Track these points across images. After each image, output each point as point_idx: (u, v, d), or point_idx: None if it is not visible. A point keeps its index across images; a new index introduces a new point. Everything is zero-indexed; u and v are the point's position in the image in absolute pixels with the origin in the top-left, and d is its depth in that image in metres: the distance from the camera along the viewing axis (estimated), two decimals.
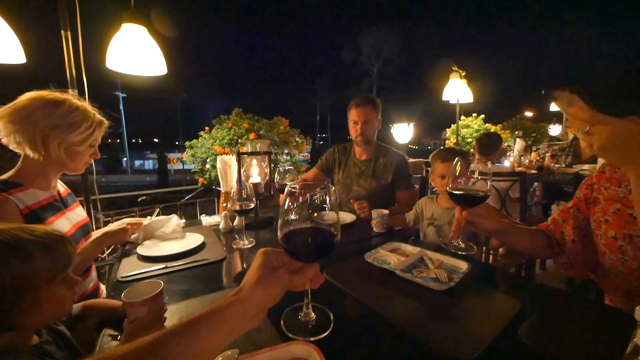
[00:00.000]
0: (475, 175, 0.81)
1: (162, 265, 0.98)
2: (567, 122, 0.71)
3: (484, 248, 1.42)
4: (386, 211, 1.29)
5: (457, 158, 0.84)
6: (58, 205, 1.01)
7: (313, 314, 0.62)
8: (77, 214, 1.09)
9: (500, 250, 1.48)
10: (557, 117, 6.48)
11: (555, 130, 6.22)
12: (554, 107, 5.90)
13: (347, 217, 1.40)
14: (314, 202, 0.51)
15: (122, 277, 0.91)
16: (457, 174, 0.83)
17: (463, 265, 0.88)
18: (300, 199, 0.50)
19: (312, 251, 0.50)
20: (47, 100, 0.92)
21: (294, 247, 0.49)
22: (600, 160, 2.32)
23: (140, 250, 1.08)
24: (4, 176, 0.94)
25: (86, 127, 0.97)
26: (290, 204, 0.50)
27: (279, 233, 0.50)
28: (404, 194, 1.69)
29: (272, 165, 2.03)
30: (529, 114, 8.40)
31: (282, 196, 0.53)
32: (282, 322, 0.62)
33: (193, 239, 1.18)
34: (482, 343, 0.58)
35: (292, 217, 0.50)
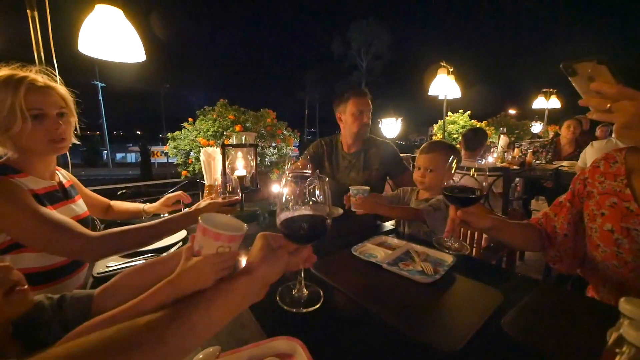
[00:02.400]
0: (472, 172, 0.81)
1: (142, 261, 0.94)
2: (581, 101, 0.61)
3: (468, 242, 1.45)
4: (366, 187, 1.25)
5: (451, 157, 0.84)
6: (59, 196, 0.93)
7: (305, 290, 0.70)
8: (79, 206, 1.01)
9: (483, 243, 1.52)
10: (538, 115, 6.70)
11: (537, 128, 6.43)
12: (536, 105, 6.08)
13: (333, 211, 1.39)
14: (309, 191, 0.57)
15: (98, 274, 0.86)
16: (452, 173, 0.83)
17: (448, 258, 0.89)
18: (297, 189, 0.57)
19: (307, 234, 0.56)
20: None
21: (291, 231, 0.55)
22: (584, 157, 2.41)
23: None
24: (1, 161, 0.84)
25: (1, 100, 0.77)
26: (288, 194, 0.57)
27: (277, 219, 0.56)
28: (404, 177, 1.70)
29: (259, 159, 1.99)
30: (512, 111, 8.63)
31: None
32: (277, 297, 0.69)
33: (175, 233, 1.14)
34: (466, 335, 0.58)
35: (290, 205, 0.57)
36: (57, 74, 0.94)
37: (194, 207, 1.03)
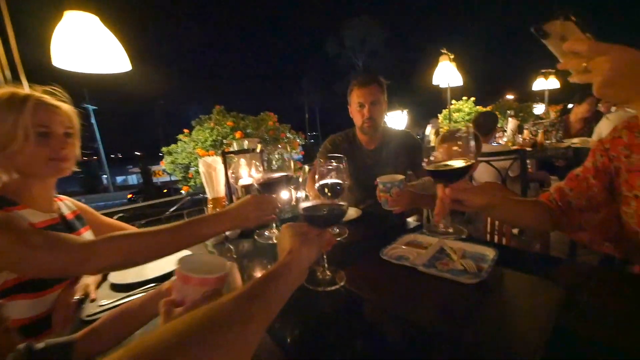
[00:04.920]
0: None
1: (141, 294, 0.79)
2: (559, 64, 0.56)
3: (490, 229, 1.33)
4: (399, 176, 1.05)
5: (431, 127, 0.76)
6: (61, 229, 0.85)
7: (328, 272, 0.74)
8: (84, 239, 0.93)
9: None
10: (539, 97, 6.60)
11: (539, 109, 6.33)
12: (536, 86, 5.98)
13: (352, 213, 1.27)
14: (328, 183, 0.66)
15: (88, 316, 0.72)
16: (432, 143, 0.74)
17: (489, 252, 0.78)
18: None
19: (326, 219, 0.63)
20: None
21: (315, 218, 0.62)
22: (599, 131, 2.30)
23: (114, 277, 0.89)
24: None
25: (2, 119, 0.74)
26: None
27: (301, 207, 0.65)
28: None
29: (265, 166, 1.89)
30: (510, 96, 8.53)
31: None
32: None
33: (178, 255, 1.02)
34: (540, 342, 0.48)
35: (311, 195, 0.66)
36: (62, 92, 0.87)
37: (230, 206, 0.86)
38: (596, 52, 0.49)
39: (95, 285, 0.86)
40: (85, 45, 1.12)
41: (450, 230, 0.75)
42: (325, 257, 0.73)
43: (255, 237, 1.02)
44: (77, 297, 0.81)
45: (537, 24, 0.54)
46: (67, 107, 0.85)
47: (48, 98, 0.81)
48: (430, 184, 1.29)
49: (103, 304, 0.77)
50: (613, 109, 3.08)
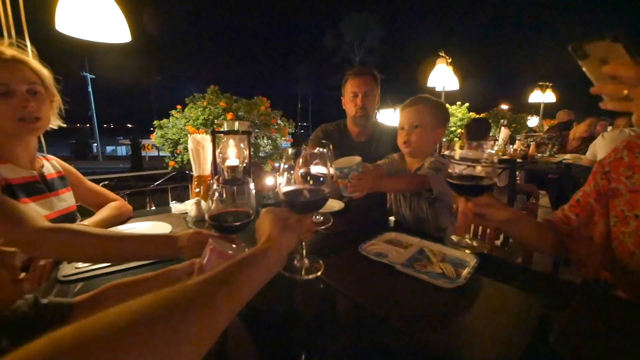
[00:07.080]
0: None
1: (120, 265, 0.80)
2: (593, 89, 0.50)
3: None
4: (356, 158, 0.95)
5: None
6: (40, 188, 0.87)
7: (306, 260, 0.72)
8: (64, 200, 0.94)
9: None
10: (534, 109, 6.66)
11: (533, 121, 6.39)
12: (532, 98, 6.03)
13: (335, 205, 1.26)
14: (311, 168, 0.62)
15: (64, 277, 0.73)
16: (456, 155, 0.72)
17: (470, 259, 0.78)
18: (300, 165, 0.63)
19: (309, 205, 0.62)
20: None
21: (296, 203, 0.61)
22: (593, 149, 2.31)
23: None
24: None
25: None
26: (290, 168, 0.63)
27: (281, 193, 0.63)
28: None
29: (252, 150, 1.85)
30: (505, 106, 8.59)
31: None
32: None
33: (158, 229, 1.00)
34: (513, 354, 0.47)
35: (292, 179, 0.63)
36: (29, 47, 0.88)
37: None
38: None
39: None
40: (89, 13, 1.17)
41: (475, 244, 0.73)
42: (304, 245, 0.71)
43: None
44: None
45: (577, 42, 0.50)
46: (33, 63, 0.82)
47: (8, 53, 0.77)
48: (398, 164, 1.25)
49: (80, 266, 0.77)
50: (609, 128, 3.13)
